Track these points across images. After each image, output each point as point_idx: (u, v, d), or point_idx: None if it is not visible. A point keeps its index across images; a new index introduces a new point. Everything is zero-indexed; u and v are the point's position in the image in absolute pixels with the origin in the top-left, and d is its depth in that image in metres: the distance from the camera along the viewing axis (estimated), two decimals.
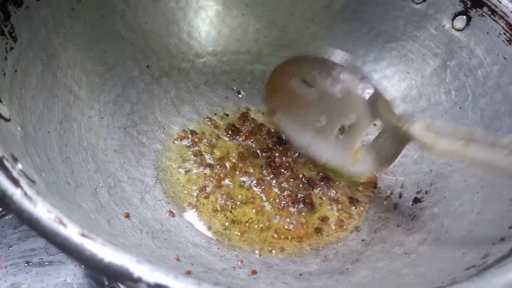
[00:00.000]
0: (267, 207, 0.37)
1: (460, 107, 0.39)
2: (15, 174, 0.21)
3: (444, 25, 0.41)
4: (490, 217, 0.31)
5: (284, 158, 0.41)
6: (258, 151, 0.41)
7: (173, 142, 0.41)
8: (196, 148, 0.40)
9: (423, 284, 0.27)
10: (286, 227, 0.36)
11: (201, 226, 0.35)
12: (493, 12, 0.37)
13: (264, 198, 0.38)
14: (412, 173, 0.40)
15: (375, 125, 0.38)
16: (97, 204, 0.30)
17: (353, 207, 0.38)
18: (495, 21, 0.37)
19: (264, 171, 0.39)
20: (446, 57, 0.41)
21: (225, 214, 0.36)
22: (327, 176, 0.40)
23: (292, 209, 0.37)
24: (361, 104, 0.36)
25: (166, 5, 0.43)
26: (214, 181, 0.38)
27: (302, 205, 0.37)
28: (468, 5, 0.39)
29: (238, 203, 0.37)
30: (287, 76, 0.39)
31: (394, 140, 0.34)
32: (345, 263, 0.33)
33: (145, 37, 0.43)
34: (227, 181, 0.38)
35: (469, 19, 0.39)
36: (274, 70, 0.40)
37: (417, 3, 0.42)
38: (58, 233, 0.19)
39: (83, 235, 0.19)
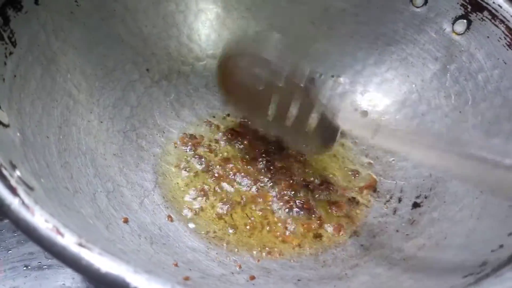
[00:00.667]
0: (266, 212, 0.37)
1: (460, 112, 0.39)
2: (13, 182, 0.21)
3: (445, 29, 0.41)
4: (489, 223, 0.31)
5: (283, 163, 0.40)
6: (258, 155, 0.41)
7: (173, 146, 0.41)
8: (195, 152, 0.40)
9: None
10: (285, 232, 0.36)
11: (199, 231, 0.35)
12: (494, 16, 0.37)
13: (263, 203, 0.38)
14: (411, 178, 0.40)
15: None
16: (95, 209, 0.30)
17: (352, 212, 0.38)
18: (495, 25, 0.37)
19: (263, 176, 0.39)
20: (446, 61, 0.41)
21: (224, 219, 0.36)
22: (326, 180, 0.40)
23: (291, 214, 0.37)
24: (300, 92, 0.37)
25: (166, 8, 0.43)
26: (213, 185, 0.38)
27: (301, 210, 0.37)
28: (469, 9, 0.39)
29: (237, 207, 0.37)
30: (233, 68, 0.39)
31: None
32: (344, 269, 0.33)
33: (145, 40, 0.43)
34: (226, 185, 0.38)
35: (469, 23, 0.39)
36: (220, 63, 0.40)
37: (418, 7, 0.42)
38: (55, 242, 0.19)
39: (80, 244, 0.19)
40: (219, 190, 0.38)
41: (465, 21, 0.39)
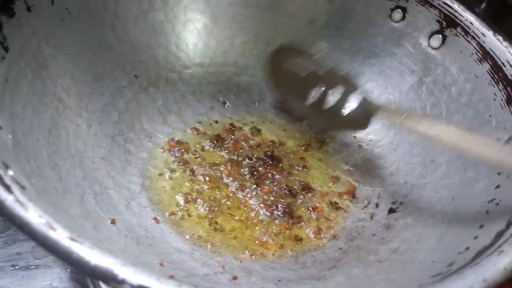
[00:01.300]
0: (250, 215, 0.38)
1: None
2: (7, 180, 0.22)
3: (421, 43, 0.43)
4: (457, 228, 0.33)
5: (267, 168, 0.42)
6: (242, 161, 0.42)
7: (160, 151, 0.42)
8: (181, 156, 0.42)
9: None
10: (267, 235, 0.37)
11: (184, 233, 0.36)
12: (466, 32, 0.40)
13: (246, 207, 0.39)
14: (388, 184, 0.41)
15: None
16: (84, 210, 0.31)
17: (332, 216, 0.40)
18: (468, 41, 0.40)
19: (247, 181, 0.41)
20: (422, 74, 0.43)
21: (208, 221, 0.37)
22: (307, 185, 0.41)
23: (273, 217, 0.38)
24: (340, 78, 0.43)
25: (155, 17, 0.45)
26: (198, 189, 0.39)
27: (283, 214, 0.39)
28: (444, 25, 0.41)
29: (222, 210, 0.38)
30: (281, 59, 0.46)
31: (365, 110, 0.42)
32: (322, 270, 0.34)
33: (133, 47, 0.44)
34: (211, 189, 0.40)
35: (444, 38, 0.41)
36: (270, 55, 0.46)
37: (396, 22, 0.44)
38: (48, 236, 0.20)
39: (71, 239, 0.20)
40: (204, 194, 0.39)
41: (440, 36, 0.42)
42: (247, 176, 0.41)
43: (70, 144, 0.36)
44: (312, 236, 0.38)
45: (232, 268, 0.34)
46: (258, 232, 0.38)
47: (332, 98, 0.43)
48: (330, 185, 0.42)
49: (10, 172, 0.24)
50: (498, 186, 0.33)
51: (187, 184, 0.40)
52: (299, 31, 0.47)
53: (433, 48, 0.42)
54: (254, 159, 0.43)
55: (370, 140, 0.45)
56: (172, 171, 0.40)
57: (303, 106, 0.44)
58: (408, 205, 0.38)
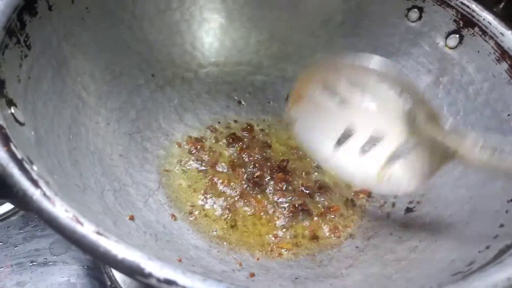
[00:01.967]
0: (266, 214, 0.39)
1: None
2: (34, 175, 0.23)
3: (438, 43, 0.43)
4: (477, 227, 0.33)
5: (283, 167, 0.42)
6: (258, 160, 0.42)
7: (177, 148, 0.42)
8: (198, 154, 0.42)
9: None
10: (284, 233, 0.37)
11: (201, 230, 0.37)
12: (484, 32, 0.39)
13: (264, 205, 0.39)
14: None
15: (407, 140, 0.34)
16: (104, 206, 0.32)
17: (348, 215, 0.40)
18: (485, 41, 0.39)
19: (265, 179, 0.41)
20: (439, 73, 0.43)
21: (225, 219, 0.38)
22: (324, 184, 0.41)
23: (290, 216, 0.39)
24: (396, 117, 0.33)
25: (171, 17, 0.45)
26: (215, 186, 0.40)
27: (300, 212, 0.39)
28: (461, 25, 0.41)
29: (238, 209, 0.39)
30: (310, 83, 0.36)
31: (432, 157, 0.32)
32: (339, 268, 0.34)
33: (150, 47, 0.44)
34: (228, 187, 0.40)
35: (461, 38, 0.41)
36: (299, 77, 0.38)
37: (412, 21, 0.44)
38: (75, 230, 0.21)
39: (98, 233, 0.21)
40: (221, 192, 0.39)
41: (457, 36, 0.41)
42: (265, 175, 0.41)
43: (89, 141, 0.36)
44: (329, 234, 0.38)
45: (249, 266, 0.34)
46: (274, 230, 0.38)
47: None
48: (346, 184, 0.42)
49: (35, 168, 0.25)
50: None
51: (203, 181, 0.40)
52: (315, 30, 0.47)
53: (450, 48, 0.42)
54: (271, 158, 0.43)
55: None
56: (189, 168, 0.41)
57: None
58: (425, 205, 0.38)
